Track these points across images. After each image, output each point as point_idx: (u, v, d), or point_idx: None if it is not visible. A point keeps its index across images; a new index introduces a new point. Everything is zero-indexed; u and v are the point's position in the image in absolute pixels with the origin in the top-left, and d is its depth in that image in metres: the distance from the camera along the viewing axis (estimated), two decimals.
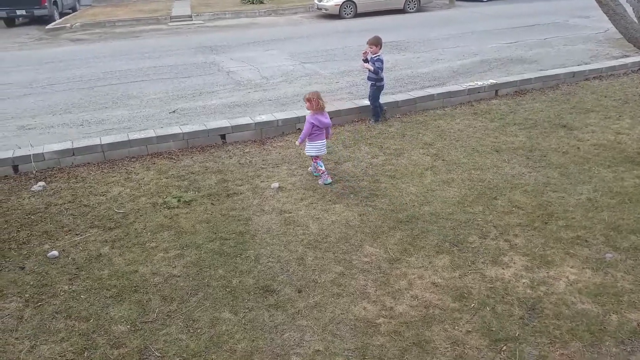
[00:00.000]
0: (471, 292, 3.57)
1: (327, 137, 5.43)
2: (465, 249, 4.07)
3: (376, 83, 6.87)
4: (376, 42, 6.76)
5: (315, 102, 5.13)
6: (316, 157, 5.35)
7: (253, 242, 4.28)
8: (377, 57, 6.76)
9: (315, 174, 5.52)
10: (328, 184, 5.28)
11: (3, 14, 19.41)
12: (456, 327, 3.25)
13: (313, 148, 5.28)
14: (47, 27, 18.73)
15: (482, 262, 3.89)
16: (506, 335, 3.17)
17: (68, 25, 18.86)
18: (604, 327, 3.20)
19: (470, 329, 3.23)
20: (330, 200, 4.93)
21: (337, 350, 3.10)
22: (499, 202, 4.77)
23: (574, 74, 8.71)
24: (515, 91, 8.22)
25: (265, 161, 5.95)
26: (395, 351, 3.08)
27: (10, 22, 20.22)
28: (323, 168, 5.33)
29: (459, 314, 3.37)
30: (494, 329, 3.23)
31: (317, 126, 5.20)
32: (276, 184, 5.27)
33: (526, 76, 8.51)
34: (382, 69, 6.80)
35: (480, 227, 4.36)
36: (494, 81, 8.22)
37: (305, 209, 4.80)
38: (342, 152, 6.10)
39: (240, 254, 4.10)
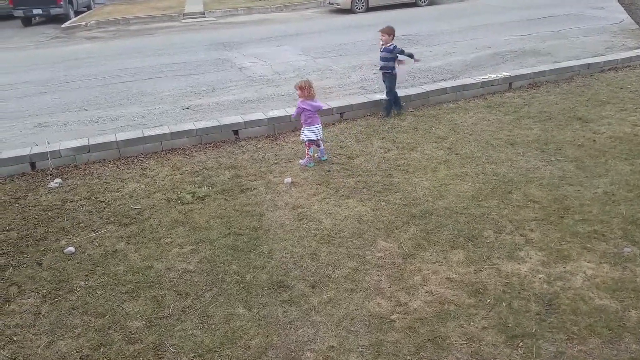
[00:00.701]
0: (487, 288, 3.54)
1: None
2: (480, 243, 4.03)
3: (392, 71, 6.84)
4: (389, 32, 6.70)
5: (307, 90, 5.49)
6: (311, 143, 5.63)
7: (266, 237, 4.28)
8: (393, 45, 6.71)
9: (322, 158, 5.73)
10: (309, 165, 5.62)
11: (20, 13, 19.71)
12: (472, 323, 3.23)
13: (311, 132, 5.56)
14: (62, 25, 18.94)
15: (497, 257, 3.85)
16: (523, 331, 3.14)
17: (83, 23, 19.04)
18: (623, 323, 3.15)
19: (486, 325, 3.20)
20: (343, 195, 4.92)
21: (351, 346, 3.10)
22: (514, 196, 4.72)
23: (588, 65, 8.57)
24: (529, 84, 8.11)
25: (277, 156, 5.95)
26: (410, 347, 3.07)
27: (27, 22, 20.51)
28: (311, 154, 5.66)
29: (475, 310, 3.34)
30: (510, 325, 3.20)
31: (310, 110, 5.50)
32: (289, 179, 5.27)
33: (540, 68, 8.39)
34: (400, 51, 6.74)
35: (495, 222, 4.32)
36: (508, 74, 8.12)
37: (318, 204, 4.79)
38: (354, 146, 6.08)
39: (254, 250, 4.11)
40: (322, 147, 5.74)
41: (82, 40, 16.05)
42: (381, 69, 6.91)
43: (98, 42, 15.28)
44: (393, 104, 7.04)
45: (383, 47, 6.76)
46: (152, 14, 20.18)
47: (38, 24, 20.93)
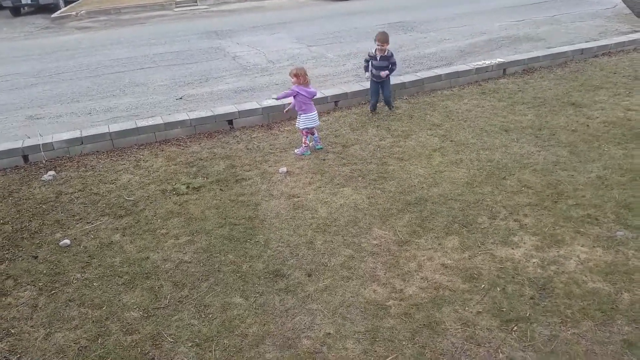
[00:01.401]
0: (481, 273, 3.57)
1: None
2: (475, 229, 4.06)
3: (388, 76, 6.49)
4: (387, 40, 6.22)
5: (302, 77, 5.49)
6: (308, 131, 5.62)
7: (262, 227, 4.29)
8: (391, 52, 6.33)
9: (318, 147, 5.74)
10: (305, 154, 5.63)
11: (9, 3, 19.42)
12: (466, 308, 3.26)
13: (308, 120, 5.55)
14: (52, 15, 18.71)
15: (491, 243, 3.88)
16: (517, 315, 3.18)
17: (73, 13, 18.82)
18: (616, 306, 3.19)
19: (480, 310, 3.24)
20: (338, 184, 4.93)
21: (347, 333, 3.12)
22: (508, 182, 4.74)
23: (582, 50, 8.57)
24: (523, 70, 8.11)
25: (272, 146, 5.94)
26: (405, 333, 3.10)
27: (16, 12, 20.23)
28: (308, 142, 5.66)
29: (469, 295, 3.37)
30: (504, 309, 3.23)
31: (305, 96, 5.49)
32: (284, 169, 5.27)
33: (534, 54, 8.39)
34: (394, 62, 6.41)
35: (489, 208, 4.34)
36: (502, 60, 8.12)
37: (314, 192, 4.80)
38: (349, 135, 6.08)
39: (250, 239, 4.12)
40: (316, 135, 5.73)
41: (72, 30, 15.88)
42: (378, 78, 6.40)
43: (89, 32, 15.12)
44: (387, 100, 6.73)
45: (379, 55, 6.29)
46: (143, 3, 19.95)
47: (27, 14, 20.67)
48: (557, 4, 13.39)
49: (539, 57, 8.27)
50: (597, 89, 7.02)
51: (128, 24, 16.38)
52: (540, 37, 10.00)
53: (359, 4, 16.89)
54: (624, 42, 8.95)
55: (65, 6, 20.67)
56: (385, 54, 6.31)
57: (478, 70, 7.82)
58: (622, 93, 6.77)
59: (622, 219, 4.05)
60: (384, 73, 6.35)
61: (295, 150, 5.68)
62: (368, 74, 6.54)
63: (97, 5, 20.21)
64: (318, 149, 5.70)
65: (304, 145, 5.63)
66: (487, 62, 8.04)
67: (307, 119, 5.54)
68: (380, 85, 6.57)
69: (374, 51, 6.36)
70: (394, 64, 6.39)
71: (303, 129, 5.60)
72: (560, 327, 3.07)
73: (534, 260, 3.66)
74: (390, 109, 6.78)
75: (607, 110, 6.21)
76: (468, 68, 7.82)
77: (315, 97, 5.70)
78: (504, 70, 8.02)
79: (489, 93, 7.21)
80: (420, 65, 8.58)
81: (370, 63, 6.47)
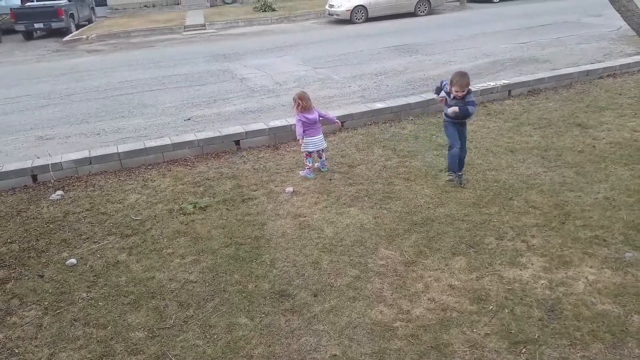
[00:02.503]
0: (489, 294, 3.53)
1: (335, 124, 5.99)
2: (482, 250, 4.03)
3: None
4: (468, 83, 4.98)
5: (303, 102, 5.44)
6: (309, 154, 5.61)
7: (268, 246, 4.29)
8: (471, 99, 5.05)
9: (323, 169, 5.74)
10: (309, 176, 5.60)
11: (22, 27, 19.89)
12: (474, 330, 3.22)
13: (310, 143, 5.53)
14: (64, 39, 19.08)
15: (499, 264, 3.85)
16: (525, 337, 3.13)
17: (84, 36, 19.18)
18: (626, 328, 3.15)
19: (488, 332, 3.20)
20: (344, 204, 4.93)
21: (354, 355, 3.09)
22: (515, 202, 4.72)
23: (587, 72, 8.61)
24: (529, 91, 8.15)
25: (279, 166, 5.97)
26: (413, 355, 3.06)
27: (29, 36, 20.64)
28: (310, 165, 5.63)
29: (477, 317, 3.33)
30: (513, 331, 3.19)
31: (306, 122, 5.46)
32: (290, 188, 5.28)
33: (539, 76, 8.43)
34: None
35: (496, 228, 4.32)
36: (507, 81, 8.15)
37: (320, 212, 4.80)
38: (355, 155, 6.10)
39: (256, 259, 4.11)
40: (323, 158, 5.74)
41: (83, 53, 16.15)
42: (455, 118, 5.11)
43: (99, 55, 15.38)
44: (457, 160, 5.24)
45: (455, 99, 5.00)
46: (152, 27, 20.31)
47: (39, 37, 21.06)
48: (561, 26, 13.51)
49: (544, 78, 8.31)
50: (602, 110, 7.03)
51: (137, 47, 16.65)
52: (545, 58, 10.06)
53: (363, 27, 17.12)
54: (629, 63, 8.98)
55: (77, 30, 21.07)
56: (467, 94, 5.00)
57: (483, 91, 7.86)
58: (628, 114, 6.77)
59: (630, 240, 4.02)
60: (452, 110, 5.01)
61: (300, 172, 5.69)
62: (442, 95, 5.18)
63: (107, 29, 20.59)
64: (323, 171, 5.71)
65: (306, 167, 5.64)
66: (492, 83, 8.08)
67: (308, 143, 5.51)
68: (460, 131, 5.21)
69: (448, 87, 5.06)
70: (471, 102, 5.01)
71: (304, 151, 5.61)
72: (569, 349, 3.03)
73: (542, 281, 3.62)
74: (459, 178, 5.17)
75: (613, 131, 6.21)
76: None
77: (315, 121, 5.55)
78: (509, 91, 8.05)
79: (495, 114, 7.23)
80: (425, 87, 8.64)
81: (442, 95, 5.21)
